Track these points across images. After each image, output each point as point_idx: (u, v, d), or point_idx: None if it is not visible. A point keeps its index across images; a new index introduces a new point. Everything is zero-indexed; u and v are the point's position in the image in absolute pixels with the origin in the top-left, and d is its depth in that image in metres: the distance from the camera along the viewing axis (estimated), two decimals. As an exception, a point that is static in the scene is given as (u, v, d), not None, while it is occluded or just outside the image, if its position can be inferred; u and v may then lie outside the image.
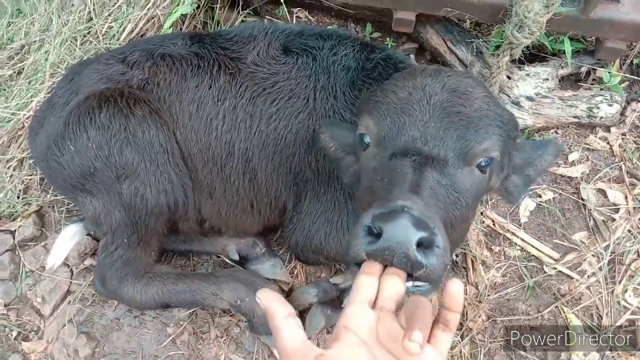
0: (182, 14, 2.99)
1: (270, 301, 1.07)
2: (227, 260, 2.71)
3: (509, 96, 2.89)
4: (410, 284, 1.15)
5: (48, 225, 2.83)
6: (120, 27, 2.98)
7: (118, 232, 2.32)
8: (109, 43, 2.96)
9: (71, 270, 2.67)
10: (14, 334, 2.53)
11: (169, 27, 2.96)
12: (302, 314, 2.47)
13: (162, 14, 2.98)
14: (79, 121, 2.18)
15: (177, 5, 2.98)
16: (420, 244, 1.11)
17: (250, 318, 2.39)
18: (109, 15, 3.01)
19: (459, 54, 2.99)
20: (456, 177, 1.45)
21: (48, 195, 2.83)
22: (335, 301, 2.45)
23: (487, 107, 1.55)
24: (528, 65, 2.95)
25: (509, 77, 2.90)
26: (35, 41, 3.07)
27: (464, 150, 1.47)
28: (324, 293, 2.46)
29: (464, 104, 1.51)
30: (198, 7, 3.15)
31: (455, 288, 1.04)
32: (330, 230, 2.35)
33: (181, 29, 3.12)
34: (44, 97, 2.77)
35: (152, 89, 2.29)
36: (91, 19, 3.01)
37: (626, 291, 2.53)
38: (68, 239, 2.65)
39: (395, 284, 1.10)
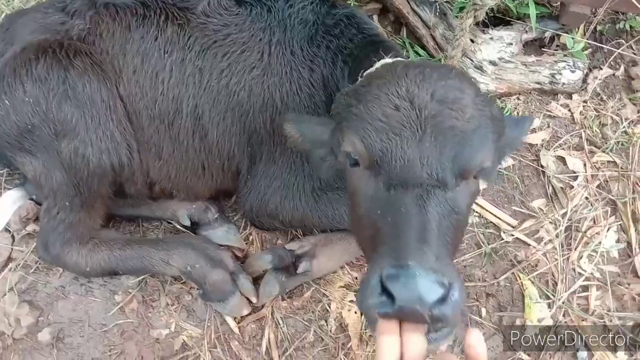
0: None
1: None
2: (178, 226, 2.60)
3: (471, 60, 2.83)
4: (430, 335, 1.18)
5: (-13, 189, 2.68)
6: (64, -24, 2.78)
7: (59, 194, 2.21)
8: (52, -6, 2.76)
9: (12, 236, 2.56)
10: (-51, 303, 2.39)
11: (118, -21, 2.78)
12: (257, 280, 2.40)
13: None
14: (15, 73, 2.07)
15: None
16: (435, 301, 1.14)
17: (202, 285, 2.31)
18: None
19: (423, 16, 2.90)
20: (456, 199, 1.40)
21: (-14, 157, 2.66)
22: (290, 267, 2.37)
23: (478, 113, 1.45)
24: (492, 29, 2.89)
25: (472, 41, 2.84)
26: (-31, -11, 2.85)
27: (461, 169, 1.40)
28: (279, 259, 2.39)
29: (457, 116, 1.40)
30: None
31: (475, 339, 1.09)
32: (286, 194, 2.29)
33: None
34: (-21, 50, 2.57)
35: (94, 40, 2.17)
36: (32, -34, 2.81)
37: (581, 258, 2.54)
38: (8, 204, 2.52)
39: (418, 341, 1.12)
